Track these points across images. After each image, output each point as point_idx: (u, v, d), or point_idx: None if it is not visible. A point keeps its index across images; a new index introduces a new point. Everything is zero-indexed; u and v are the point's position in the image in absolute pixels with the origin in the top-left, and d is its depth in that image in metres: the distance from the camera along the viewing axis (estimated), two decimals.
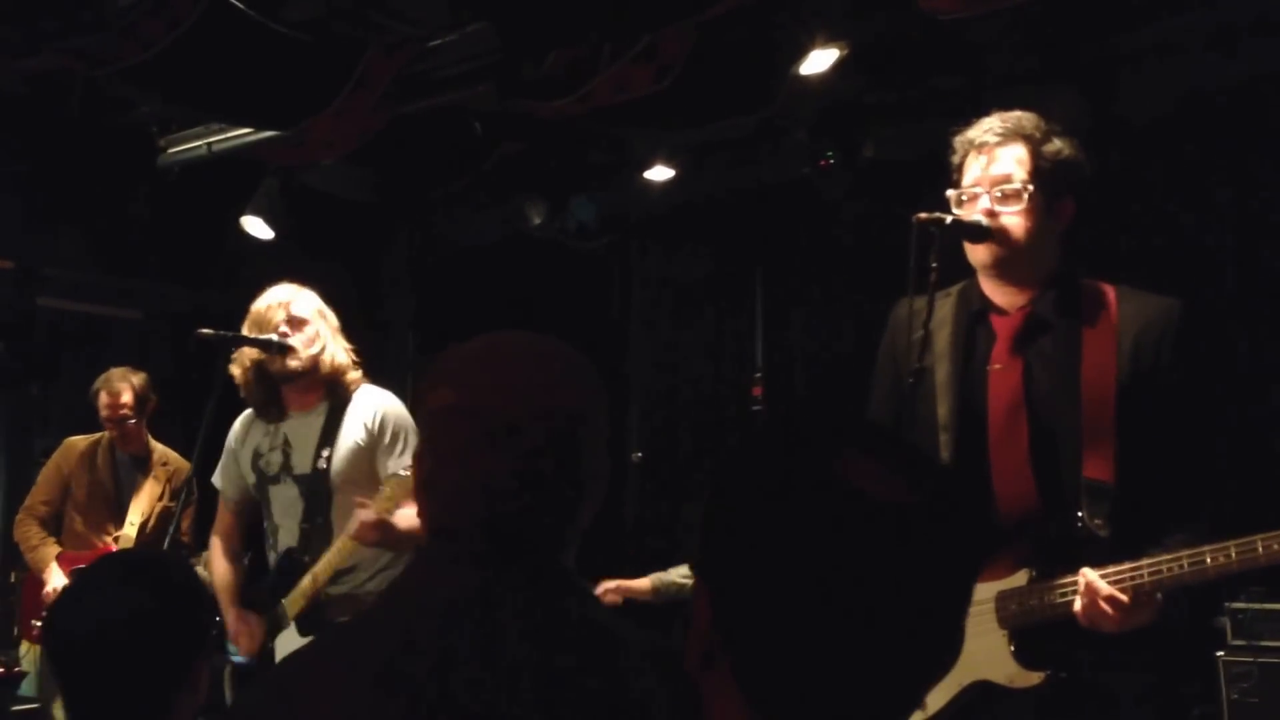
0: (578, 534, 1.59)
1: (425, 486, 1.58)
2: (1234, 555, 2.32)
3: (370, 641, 1.50)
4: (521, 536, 1.52)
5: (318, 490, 3.79)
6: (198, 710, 2.02)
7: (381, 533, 3.56)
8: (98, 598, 1.98)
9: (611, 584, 5.56)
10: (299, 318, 3.84)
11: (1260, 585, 4.53)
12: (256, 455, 3.94)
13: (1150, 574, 2.38)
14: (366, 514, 3.56)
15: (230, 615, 3.85)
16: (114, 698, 1.94)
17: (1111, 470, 2.52)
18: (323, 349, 3.84)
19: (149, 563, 2.13)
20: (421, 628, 1.47)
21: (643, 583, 5.68)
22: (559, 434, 1.53)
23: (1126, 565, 2.41)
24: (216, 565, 4.03)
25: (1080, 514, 2.53)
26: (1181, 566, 2.36)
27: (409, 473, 3.52)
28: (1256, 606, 4.50)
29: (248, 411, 4.02)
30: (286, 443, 3.89)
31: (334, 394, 3.87)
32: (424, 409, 1.60)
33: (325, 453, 3.80)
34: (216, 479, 4.08)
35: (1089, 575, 2.43)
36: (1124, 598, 2.38)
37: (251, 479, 3.96)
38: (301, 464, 3.84)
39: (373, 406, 3.83)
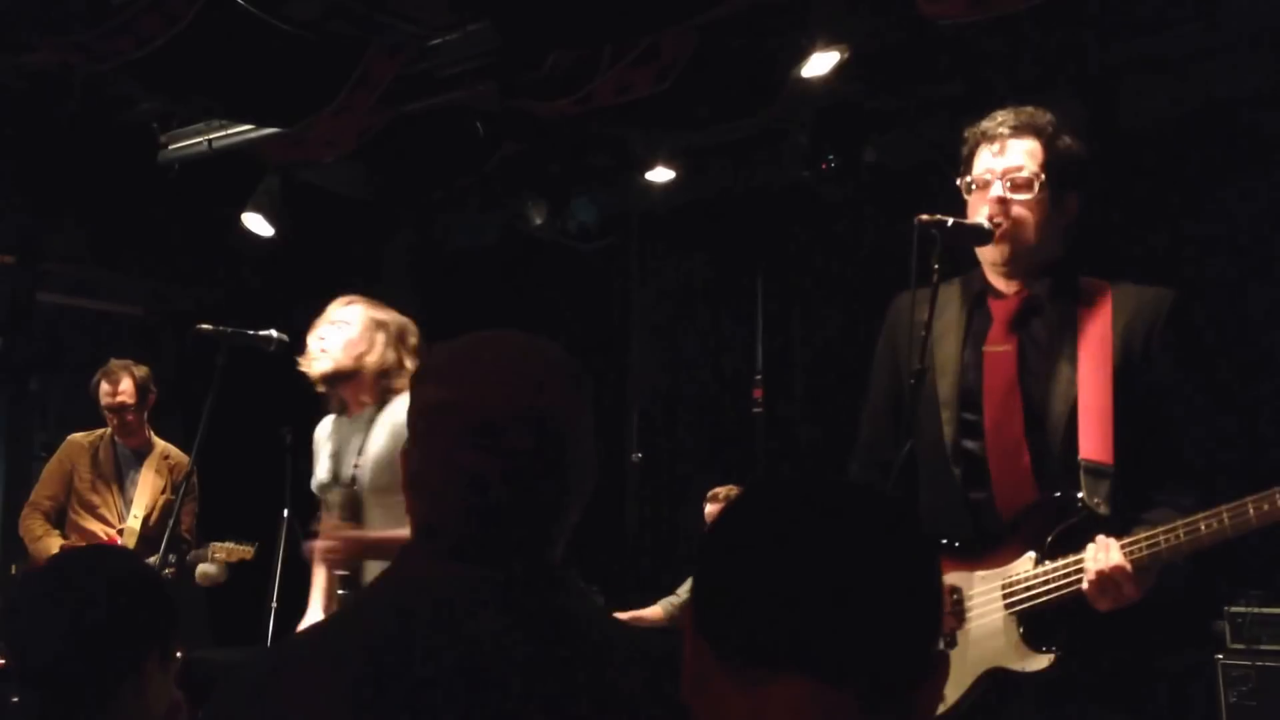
0: (565, 532, 1.59)
1: (412, 485, 1.58)
2: (1226, 521, 2.32)
3: (353, 639, 1.49)
4: (507, 534, 1.52)
5: (353, 499, 3.77)
6: (152, 707, 2.04)
7: (345, 551, 3.58)
8: (36, 601, 2.06)
9: (625, 616, 5.61)
10: (340, 319, 3.84)
11: (1259, 589, 4.55)
12: (324, 460, 3.93)
13: (1148, 547, 2.39)
14: (321, 543, 3.59)
15: (309, 614, 3.86)
16: (53, 691, 2.00)
17: (1109, 452, 2.54)
18: (350, 354, 3.80)
19: (94, 563, 2.16)
20: (406, 625, 1.46)
21: (654, 610, 5.74)
22: (545, 432, 1.52)
23: (1124, 540, 2.42)
24: (316, 568, 3.96)
25: (1080, 495, 2.54)
26: (1177, 537, 2.36)
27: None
28: (1255, 611, 4.52)
29: (330, 415, 4.02)
30: (340, 448, 3.88)
31: (383, 399, 3.83)
32: (411, 406, 1.60)
33: (359, 460, 3.79)
34: (312, 482, 4.04)
35: (1090, 553, 2.44)
36: (1128, 567, 2.39)
37: (317, 483, 3.95)
38: (345, 470, 3.83)
39: (399, 410, 3.76)
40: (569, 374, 1.58)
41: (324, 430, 4.01)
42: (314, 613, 3.86)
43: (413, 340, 3.91)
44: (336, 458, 3.87)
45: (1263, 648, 4.48)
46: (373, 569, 3.71)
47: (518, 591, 1.49)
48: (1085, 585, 2.43)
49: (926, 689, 1.15)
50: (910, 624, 1.13)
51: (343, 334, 3.82)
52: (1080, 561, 2.47)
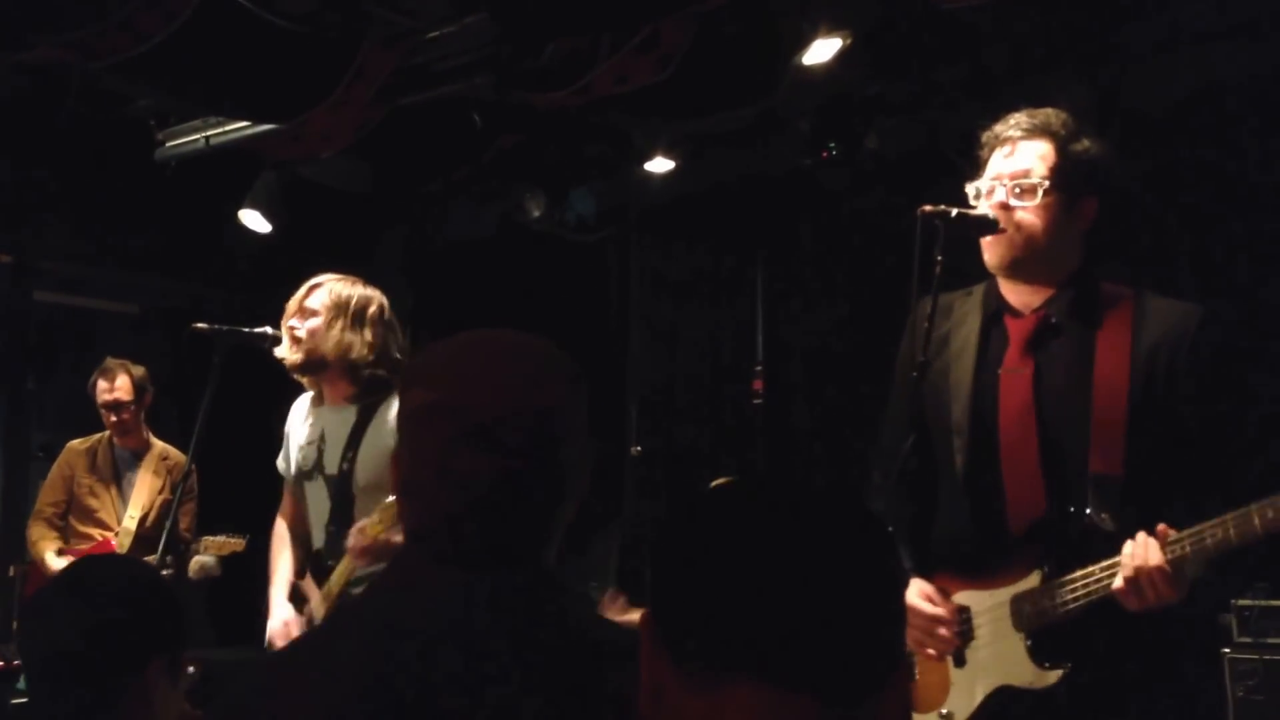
0: (559, 532, 1.57)
1: (405, 489, 1.56)
2: (1272, 514, 2.25)
3: (350, 645, 1.48)
4: (501, 536, 1.51)
5: (343, 493, 3.76)
6: (159, 708, 2.06)
7: (375, 556, 3.55)
8: (47, 615, 2.11)
9: (620, 619, 5.60)
10: (309, 308, 3.82)
11: (1266, 582, 4.50)
12: (300, 445, 3.93)
13: (1192, 543, 2.34)
14: (357, 539, 3.57)
15: (275, 615, 3.84)
16: (58, 694, 2.07)
17: (1120, 466, 2.50)
18: (325, 344, 3.79)
19: (100, 574, 2.20)
20: (402, 630, 1.45)
21: (636, 615, 5.71)
22: (537, 432, 1.51)
23: (1168, 534, 2.36)
24: (275, 555, 3.99)
25: (1087, 509, 2.51)
26: (1227, 531, 2.30)
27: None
28: (1263, 604, 4.47)
29: (305, 395, 4.01)
30: (322, 438, 3.86)
31: (369, 392, 3.81)
32: (400, 408, 1.58)
33: (351, 455, 3.76)
34: (278, 462, 4.06)
35: (1128, 549, 2.38)
36: (1167, 567, 2.34)
37: (294, 469, 3.94)
38: (331, 464, 3.80)
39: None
40: (563, 373, 1.56)
41: (298, 414, 3.99)
42: (281, 606, 3.85)
43: (373, 312, 3.86)
44: (319, 447, 3.85)
45: (1270, 641, 4.43)
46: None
47: (512, 595, 1.48)
48: (1119, 583, 2.39)
49: (888, 694, 1.13)
50: (870, 628, 1.11)
51: (312, 324, 3.81)
52: (1088, 575, 2.45)
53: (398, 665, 1.42)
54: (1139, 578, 2.36)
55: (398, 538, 3.51)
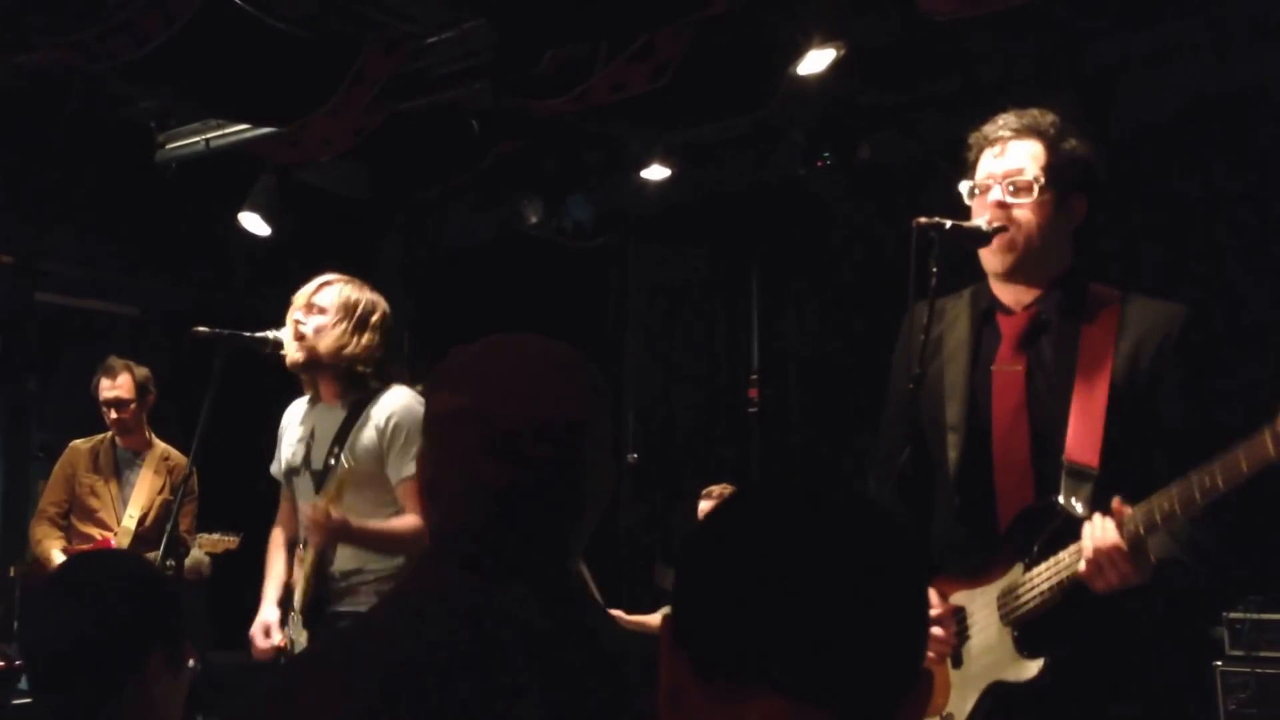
0: (582, 541, 1.57)
1: (428, 491, 1.56)
2: (1219, 477, 2.27)
3: (371, 649, 1.48)
4: (525, 543, 1.51)
5: (326, 487, 3.80)
6: (160, 710, 2.08)
7: (331, 535, 3.59)
8: (46, 613, 2.14)
9: (630, 619, 5.67)
10: (317, 305, 3.84)
11: (1258, 595, 4.53)
12: (290, 443, 3.96)
13: (1143, 519, 2.36)
14: (307, 510, 3.60)
15: (260, 615, 3.86)
16: (60, 692, 2.07)
17: (1096, 457, 2.53)
18: (325, 343, 3.82)
19: (98, 566, 2.23)
20: (423, 635, 1.45)
21: (654, 618, 5.77)
22: (563, 441, 1.50)
23: (1124, 513, 2.40)
24: (270, 558, 4.01)
25: (1058, 498, 2.54)
26: (1171, 503, 2.33)
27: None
28: (1254, 617, 4.48)
29: (302, 399, 4.03)
30: (311, 434, 3.89)
31: (357, 390, 3.84)
32: (427, 412, 1.58)
33: (337, 450, 3.79)
34: (272, 466, 4.08)
35: (1087, 531, 2.42)
36: (1124, 545, 2.36)
37: (283, 466, 3.97)
38: (318, 459, 3.83)
39: (388, 408, 3.78)
40: (588, 381, 1.56)
41: (293, 415, 4.02)
42: (268, 607, 3.88)
43: (376, 319, 3.89)
44: (308, 444, 3.88)
45: (1262, 655, 4.45)
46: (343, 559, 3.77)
47: (535, 602, 1.48)
48: (1082, 566, 2.41)
49: (909, 703, 1.13)
50: (894, 640, 1.11)
51: (319, 321, 3.82)
52: (1058, 561, 2.47)
53: (419, 670, 1.42)
54: (1098, 558, 2.39)
55: (373, 522, 3.63)
